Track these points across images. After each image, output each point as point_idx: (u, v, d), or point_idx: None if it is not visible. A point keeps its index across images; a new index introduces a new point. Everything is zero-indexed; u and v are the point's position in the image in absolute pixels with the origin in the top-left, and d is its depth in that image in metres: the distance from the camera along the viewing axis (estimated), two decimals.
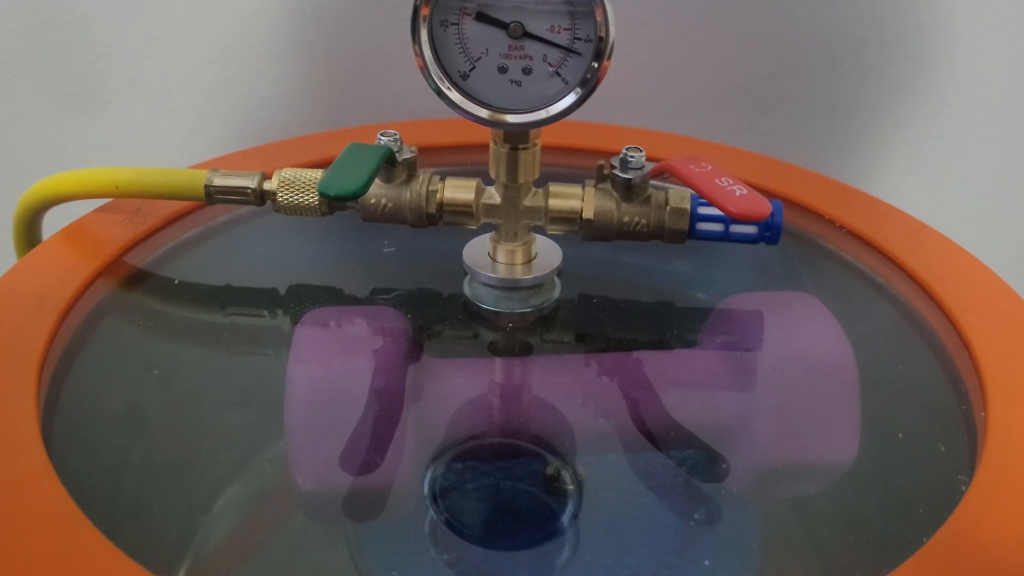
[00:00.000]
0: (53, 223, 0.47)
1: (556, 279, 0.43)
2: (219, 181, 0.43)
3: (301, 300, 0.43)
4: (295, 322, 0.42)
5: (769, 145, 0.65)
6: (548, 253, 0.43)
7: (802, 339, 0.42)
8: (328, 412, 0.36)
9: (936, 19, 0.61)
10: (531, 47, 0.36)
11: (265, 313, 0.43)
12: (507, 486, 0.33)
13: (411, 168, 0.41)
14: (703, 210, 0.41)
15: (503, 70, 0.36)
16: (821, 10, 0.61)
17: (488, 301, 0.42)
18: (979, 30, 0.62)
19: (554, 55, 0.36)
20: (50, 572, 0.27)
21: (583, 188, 0.41)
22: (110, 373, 0.39)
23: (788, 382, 0.40)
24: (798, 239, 0.48)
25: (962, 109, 0.65)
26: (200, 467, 0.35)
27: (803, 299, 0.45)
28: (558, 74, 0.36)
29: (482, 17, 0.35)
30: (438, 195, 0.41)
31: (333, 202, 0.42)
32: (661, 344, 0.42)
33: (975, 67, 0.63)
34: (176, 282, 0.44)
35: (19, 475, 0.30)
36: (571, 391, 0.39)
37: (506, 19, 0.35)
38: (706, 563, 0.31)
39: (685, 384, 0.40)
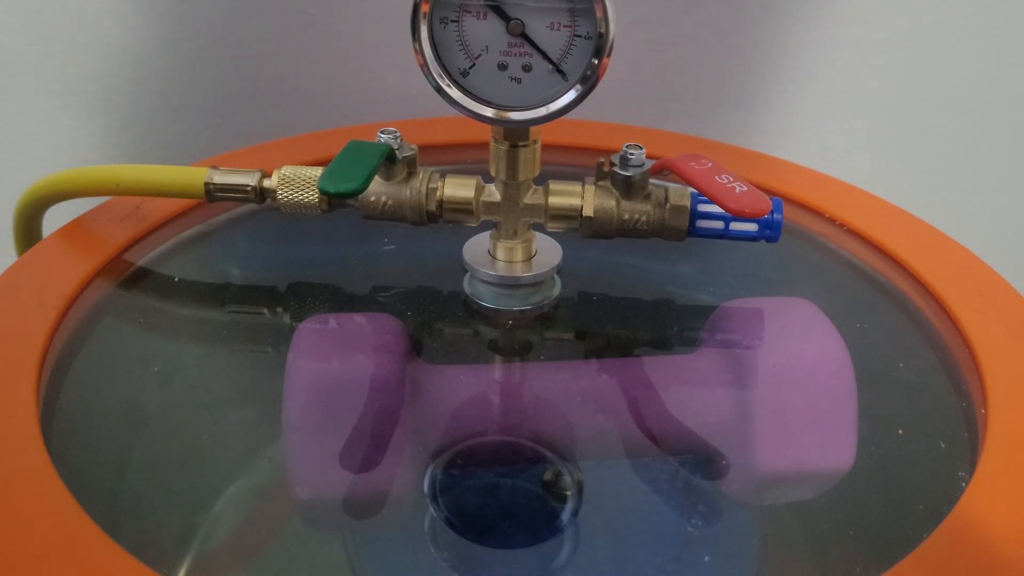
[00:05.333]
0: (53, 221, 0.47)
1: (556, 277, 0.43)
2: (219, 179, 0.43)
3: (301, 298, 0.43)
4: (295, 320, 0.42)
5: (769, 145, 0.66)
6: (548, 251, 0.43)
7: (800, 344, 0.42)
8: (328, 416, 0.36)
9: (937, 19, 0.61)
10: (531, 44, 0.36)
11: (265, 311, 0.43)
12: (506, 489, 0.33)
13: (411, 165, 0.41)
14: (703, 207, 0.41)
15: (503, 67, 0.36)
16: (821, 10, 0.61)
17: (488, 299, 0.42)
18: (980, 30, 0.62)
19: (554, 52, 0.36)
20: (51, 569, 0.27)
21: (583, 185, 0.41)
22: (110, 370, 0.39)
23: (786, 385, 0.40)
24: (798, 237, 0.48)
25: (963, 109, 0.65)
26: (200, 464, 0.35)
27: (801, 304, 0.45)
28: (558, 71, 0.36)
29: (493, 8, 0.35)
30: (438, 192, 0.41)
31: (333, 199, 0.42)
32: (660, 343, 0.42)
33: (976, 67, 0.63)
34: (176, 280, 0.44)
35: (19, 472, 0.30)
36: (570, 390, 0.39)
37: (506, 16, 0.35)
38: (706, 559, 0.31)
39: (683, 385, 0.40)
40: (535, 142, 0.39)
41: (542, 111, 0.37)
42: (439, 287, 0.44)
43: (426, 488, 0.33)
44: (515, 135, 0.38)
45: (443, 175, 0.42)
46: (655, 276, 0.47)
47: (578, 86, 0.36)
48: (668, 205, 0.40)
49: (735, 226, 0.41)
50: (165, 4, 0.59)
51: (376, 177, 0.41)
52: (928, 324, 0.41)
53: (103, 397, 0.37)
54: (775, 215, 0.41)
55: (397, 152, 0.40)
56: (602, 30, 0.35)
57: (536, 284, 0.42)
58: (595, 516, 0.33)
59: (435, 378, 0.39)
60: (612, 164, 0.40)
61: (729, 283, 0.47)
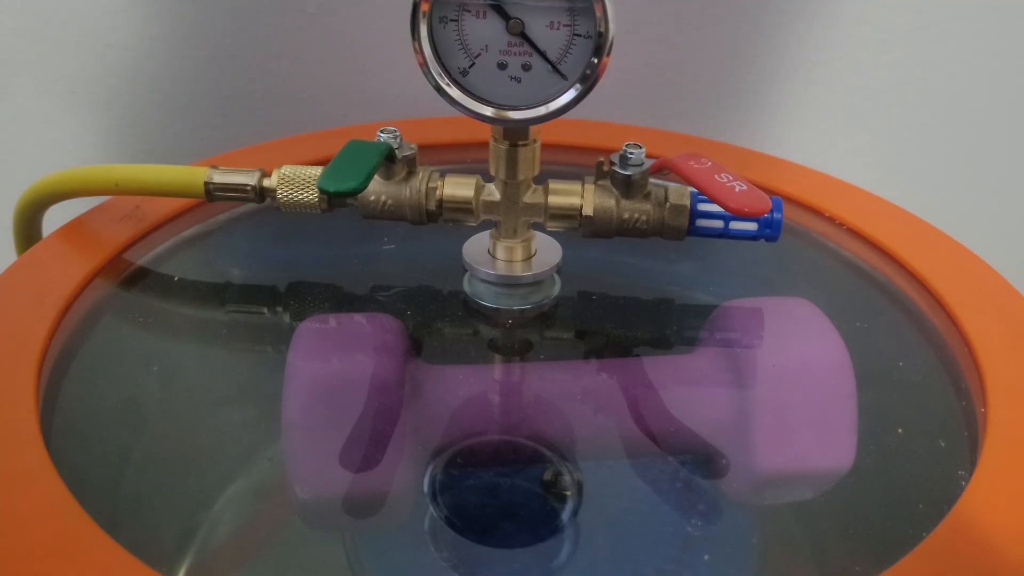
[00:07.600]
0: (53, 221, 0.47)
1: (556, 276, 0.43)
2: (219, 178, 0.43)
3: (301, 297, 0.43)
4: (295, 320, 0.42)
5: (769, 145, 0.66)
6: (548, 250, 0.43)
7: (800, 343, 0.42)
8: (327, 416, 0.36)
9: (936, 19, 0.61)
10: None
11: (265, 310, 0.43)
12: (506, 489, 0.33)
13: (411, 165, 0.41)
14: (703, 206, 0.41)
15: (503, 66, 0.36)
16: (821, 10, 0.61)
17: (488, 298, 0.42)
18: (980, 30, 0.62)
19: (554, 51, 0.36)
20: (50, 568, 0.27)
21: (583, 185, 0.41)
22: (109, 370, 0.39)
23: (786, 385, 0.40)
24: (798, 236, 0.48)
25: (963, 109, 0.65)
26: (200, 464, 0.35)
27: (801, 304, 0.45)
28: (556, 72, 0.36)
29: (493, 7, 0.35)
30: (438, 192, 0.41)
31: (333, 199, 0.42)
32: (660, 343, 0.42)
33: (975, 67, 0.63)
34: (176, 279, 0.44)
35: (19, 471, 0.30)
36: (570, 390, 0.39)
37: (506, 15, 0.35)
38: (706, 559, 0.31)
39: (683, 385, 0.40)
40: (535, 141, 0.39)
41: (541, 110, 0.36)
42: (439, 287, 0.44)
43: (426, 488, 0.33)
44: (515, 134, 0.38)
45: (443, 174, 0.42)
46: (655, 276, 0.47)
47: (577, 85, 0.36)
48: (668, 204, 0.40)
49: (735, 225, 0.41)
50: (165, 4, 0.59)
51: (376, 176, 0.41)
52: (928, 323, 0.41)
53: (103, 397, 0.37)
54: (775, 214, 0.41)
55: (397, 151, 0.40)
56: (602, 29, 0.35)
57: (536, 283, 0.42)
58: (595, 516, 0.32)
59: (435, 378, 0.39)
60: (612, 163, 0.40)
61: (729, 283, 0.47)
